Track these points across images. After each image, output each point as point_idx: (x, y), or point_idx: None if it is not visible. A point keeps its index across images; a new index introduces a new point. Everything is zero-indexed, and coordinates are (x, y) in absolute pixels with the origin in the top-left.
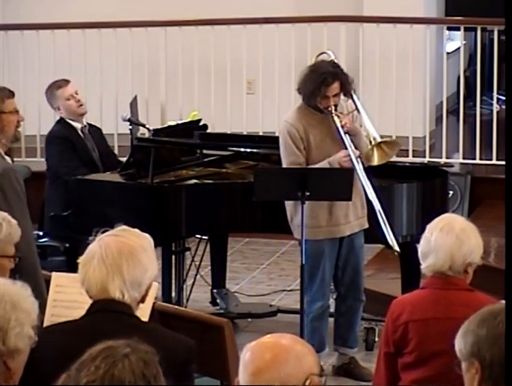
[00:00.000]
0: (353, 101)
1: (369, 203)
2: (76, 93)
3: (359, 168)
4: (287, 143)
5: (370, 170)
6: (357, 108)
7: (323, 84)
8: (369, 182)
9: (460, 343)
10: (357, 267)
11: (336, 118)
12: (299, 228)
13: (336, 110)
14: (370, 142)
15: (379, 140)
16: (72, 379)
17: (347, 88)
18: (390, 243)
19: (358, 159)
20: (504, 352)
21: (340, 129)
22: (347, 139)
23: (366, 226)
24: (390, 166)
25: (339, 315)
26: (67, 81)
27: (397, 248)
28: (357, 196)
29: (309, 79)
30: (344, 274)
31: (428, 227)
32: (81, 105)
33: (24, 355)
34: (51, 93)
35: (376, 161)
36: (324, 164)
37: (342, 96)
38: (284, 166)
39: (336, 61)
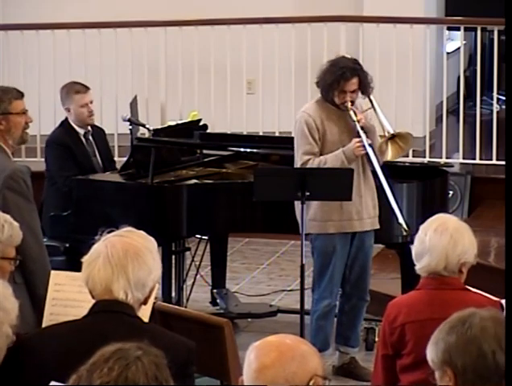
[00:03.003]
0: (370, 100)
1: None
2: (91, 102)
3: (372, 154)
4: (303, 132)
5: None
6: (373, 107)
7: (342, 77)
8: (380, 169)
9: (431, 352)
10: (364, 266)
11: (352, 113)
12: (311, 222)
13: (352, 105)
14: (384, 136)
15: (392, 132)
16: (83, 380)
17: (365, 86)
18: (400, 220)
19: (371, 147)
20: (475, 357)
21: (357, 124)
22: (363, 134)
23: (377, 226)
24: (390, 166)
25: (342, 314)
26: (87, 88)
27: (405, 226)
28: (369, 196)
29: (328, 72)
30: (352, 273)
31: (422, 227)
32: (91, 116)
33: (1, 353)
34: (66, 93)
35: (390, 155)
36: (338, 153)
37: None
38: (298, 155)
39: (356, 59)
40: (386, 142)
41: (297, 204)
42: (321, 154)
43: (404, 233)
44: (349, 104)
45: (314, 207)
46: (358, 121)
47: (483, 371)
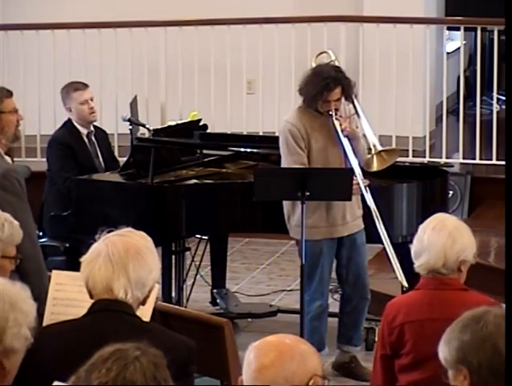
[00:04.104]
0: (354, 106)
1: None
2: (91, 100)
3: (368, 196)
4: (289, 143)
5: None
6: (357, 113)
7: (325, 88)
8: (375, 208)
9: (444, 352)
10: (360, 265)
11: (336, 122)
12: (297, 228)
13: (336, 114)
14: (370, 149)
15: (379, 148)
16: (82, 381)
17: (348, 93)
18: (399, 277)
19: (367, 188)
20: (491, 355)
21: (340, 133)
22: (346, 143)
23: (362, 226)
24: (390, 166)
25: (344, 314)
26: (85, 85)
27: (405, 283)
28: (354, 198)
29: (311, 82)
30: (349, 273)
31: (421, 226)
32: (93, 113)
33: (19, 355)
34: (66, 93)
35: (375, 167)
36: None
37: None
38: (285, 165)
39: (337, 64)
40: (371, 157)
41: (284, 204)
42: (308, 162)
43: (404, 289)
44: (334, 112)
45: (299, 214)
46: (343, 130)
47: (498, 367)
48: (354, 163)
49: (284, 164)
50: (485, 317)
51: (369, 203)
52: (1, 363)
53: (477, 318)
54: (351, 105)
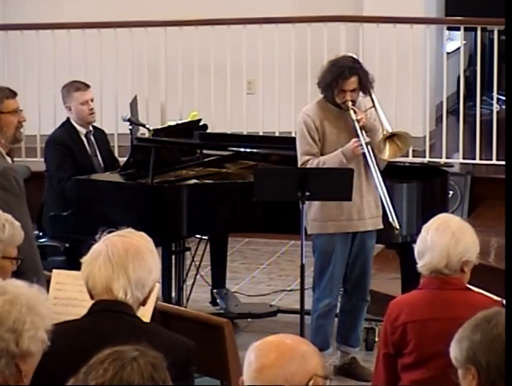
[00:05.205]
0: (371, 98)
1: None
2: (92, 100)
3: (369, 154)
4: (303, 133)
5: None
6: (374, 105)
7: (340, 77)
8: (377, 167)
9: (454, 351)
10: (365, 266)
11: (352, 112)
12: (313, 223)
13: (354, 105)
14: (383, 135)
15: (390, 131)
16: (80, 382)
17: (365, 85)
18: (391, 219)
19: (368, 146)
20: (500, 355)
21: (356, 124)
22: (362, 134)
23: (381, 226)
24: (390, 166)
25: (343, 313)
26: (87, 86)
27: (397, 225)
28: (372, 195)
29: (328, 71)
30: (352, 272)
31: (424, 226)
32: (92, 114)
33: (36, 358)
34: (67, 92)
35: (387, 154)
36: (337, 153)
37: (361, 94)
38: (298, 155)
39: (356, 58)
40: (383, 141)
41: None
42: (322, 155)
43: (396, 232)
44: (350, 103)
45: (315, 208)
46: (358, 121)
47: None
48: (367, 152)
49: (298, 154)
50: (497, 317)
51: (369, 160)
52: (17, 366)
53: (489, 318)
54: (368, 98)
